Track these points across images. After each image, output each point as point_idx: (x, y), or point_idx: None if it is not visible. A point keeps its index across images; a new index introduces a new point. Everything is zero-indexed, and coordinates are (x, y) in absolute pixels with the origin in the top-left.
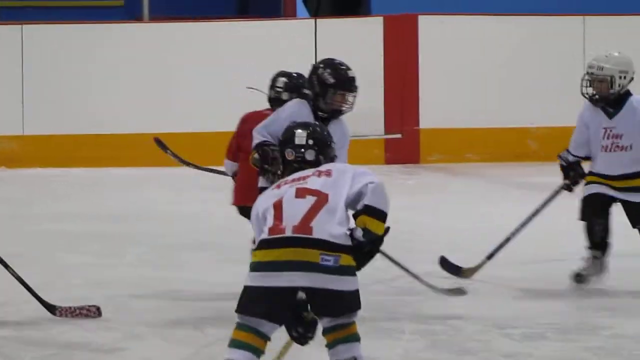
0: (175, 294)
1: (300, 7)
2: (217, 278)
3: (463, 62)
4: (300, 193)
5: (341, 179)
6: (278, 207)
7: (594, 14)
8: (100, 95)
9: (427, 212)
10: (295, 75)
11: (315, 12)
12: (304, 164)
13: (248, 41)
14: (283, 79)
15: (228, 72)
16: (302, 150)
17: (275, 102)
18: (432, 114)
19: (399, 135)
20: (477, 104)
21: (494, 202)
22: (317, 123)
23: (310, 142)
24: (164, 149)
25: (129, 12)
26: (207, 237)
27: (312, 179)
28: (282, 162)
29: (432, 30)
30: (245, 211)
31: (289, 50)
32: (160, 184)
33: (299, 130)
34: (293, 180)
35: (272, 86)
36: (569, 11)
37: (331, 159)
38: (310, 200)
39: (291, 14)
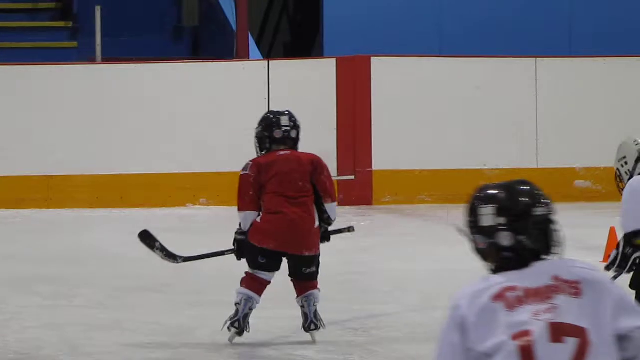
0: (129, 335)
1: (254, 48)
2: (170, 320)
3: (416, 104)
4: (556, 334)
5: (599, 305)
6: (527, 354)
7: (545, 56)
8: (51, 136)
9: (380, 253)
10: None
11: (269, 53)
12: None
13: (201, 82)
14: (287, 117)
15: (180, 113)
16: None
17: (284, 141)
18: (385, 155)
19: (351, 177)
20: (430, 145)
21: (447, 244)
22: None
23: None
24: (151, 246)
25: (82, 54)
26: (160, 279)
27: (562, 302)
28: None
29: (384, 71)
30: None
31: (242, 92)
32: (113, 226)
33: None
34: (537, 297)
35: (279, 125)
36: (521, 53)
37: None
38: (571, 345)
39: (244, 55)
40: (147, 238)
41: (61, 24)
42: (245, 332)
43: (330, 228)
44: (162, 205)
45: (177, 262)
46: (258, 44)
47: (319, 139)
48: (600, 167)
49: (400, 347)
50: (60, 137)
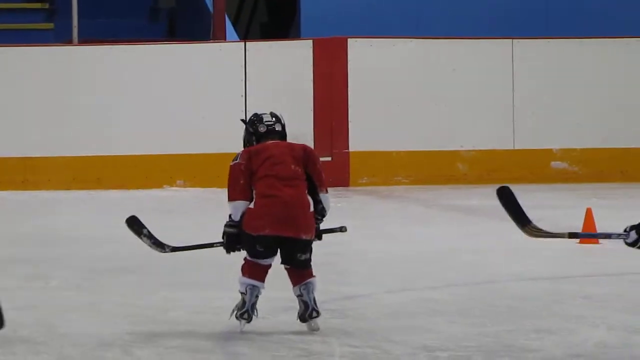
0: (104, 317)
1: (230, 30)
2: (146, 301)
3: (392, 85)
4: None
5: None
6: None
7: (522, 37)
8: (29, 118)
9: (357, 235)
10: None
11: (245, 34)
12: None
13: (177, 64)
14: (268, 114)
15: (157, 95)
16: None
17: (270, 135)
18: (361, 137)
19: (328, 158)
20: (406, 126)
21: (424, 225)
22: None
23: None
24: (138, 233)
25: (59, 36)
26: (136, 260)
27: None
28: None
29: (361, 53)
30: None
31: (218, 73)
32: (89, 208)
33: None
34: None
35: (261, 121)
36: (498, 34)
37: None
38: None
39: (221, 37)
40: (134, 224)
41: (37, 5)
42: (254, 317)
43: (322, 227)
44: (139, 186)
45: (165, 252)
46: (235, 25)
47: (295, 121)
48: (577, 149)
49: (378, 329)
50: (37, 119)
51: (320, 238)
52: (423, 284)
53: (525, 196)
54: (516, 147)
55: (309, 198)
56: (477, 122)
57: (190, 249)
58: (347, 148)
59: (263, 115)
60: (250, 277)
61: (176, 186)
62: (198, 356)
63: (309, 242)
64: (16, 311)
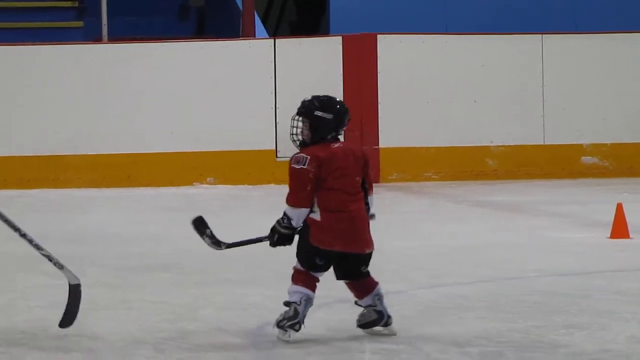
0: (135, 315)
1: (260, 27)
2: (177, 299)
3: (422, 81)
4: None
5: None
6: None
7: (551, 32)
8: (60, 116)
9: (387, 231)
10: None
11: (275, 31)
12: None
13: (207, 61)
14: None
15: (186, 92)
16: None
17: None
18: (391, 133)
19: None
20: (436, 122)
21: (454, 221)
22: None
23: None
24: (202, 233)
25: (88, 34)
26: (167, 258)
27: None
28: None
29: (391, 49)
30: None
31: (248, 70)
32: (120, 206)
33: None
34: None
35: (348, 116)
36: (527, 30)
37: None
38: None
39: (250, 34)
40: (200, 225)
41: (67, 3)
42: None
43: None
44: (169, 184)
45: (221, 249)
46: (264, 22)
47: None
48: (607, 144)
49: (409, 325)
50: (67, 117)
51: None
52: (453, 280)
53: (556, 191)
54: (546, 143)
55: None
56: (506, 118)
57: (242, 245)
58: (377, 144)
59: (344, 105)
60: (305, 287)
61: (206, 183)
62: (229, 354)
63: (371, 254)
64: (46, 309)
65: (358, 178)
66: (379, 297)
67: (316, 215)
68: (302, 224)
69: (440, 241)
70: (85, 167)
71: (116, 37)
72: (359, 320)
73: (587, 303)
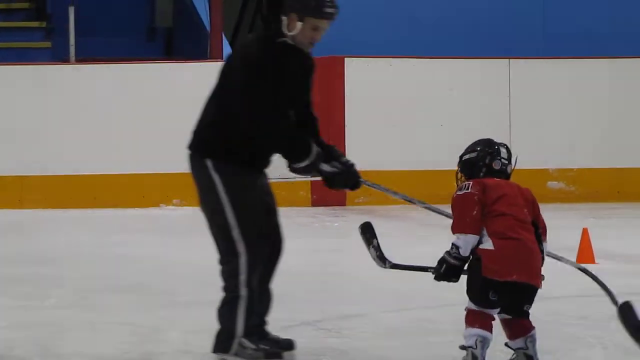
0: (101, 336)
1: (227, 49)
2: (143, 321)
3: (389, 104)
4: None
5: None
6: None
7: (519, 57)
8: (26, 137)
9: (353, 254)
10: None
11: None
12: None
13: (174, 82)
14: (506, 149)
15: (153, 113)
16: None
17: (499, 175)
18: (358, 156)
19: None
20: (403, 145)
21: (422, 244)
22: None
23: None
24: (368, 242)
25: (56, 54)
26: (133, 279)
27: None
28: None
29: (358, 72)
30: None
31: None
32: (86, 226)
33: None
34: None
35: (499, 156)
36: (495, 54)
37: None
38: None
39: (218, 55)
40: (368, 231)
41: (35, 24)
42: None
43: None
44: (135, 205)
45: (385, 267)
46: (232, 44)
47: None
48: (573, 169)
49: (374, 348)
50: (33, 137)
51: None
52: (419, 304)
53: None
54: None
55: None
56: (472, 141)
57: (407, 269)
58: None
59: (501, 149)
60: (480, 327)
61: (173, 205)
62: None
63: (536, 292)
64: (11, 330)
65: (526, 210)
66: (533, 340)
67: (487, 245)
68: (471, 257)
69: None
70: (52, 187)
71: (84, 58)
72: None
73: (553, 327)
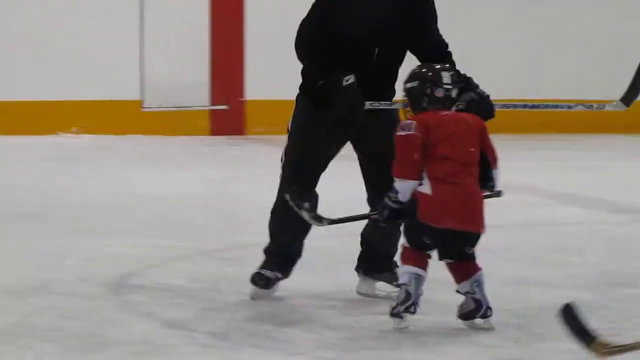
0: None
1: None
2: (42, 248)
3: (290, 32)
4: None
5: None
6: None
7: None
8: None
9: (252, 183)
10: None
11: None
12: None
13: (72, 9)
14: (448, 73)
15: (49, 39)
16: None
17: (444, 101)
18: (258, 85)
19: (224, 107)
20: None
21: (324, 173)
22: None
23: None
24: (299, 206)
25: None
26: (32, 208)
27: None
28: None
29: (259, 0)
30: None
31: (114, 19)
32: None
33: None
34: None
35: (440, 83)
36: None
37: None
38: None
39: None
40: (297, 197)
41: None
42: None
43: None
44: (34, 133)
45: (323, 225)
46: None
47: (191, 69)
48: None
49: None
50: None
51: None
52: (320, 233)
53: None
54: None
55: None
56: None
57: (346, 221)
58: (243, 96)
59: (443, 73)
60: (415, 265)
61: (71, 133)
62: (90, 304)
63: (481, 235)
64: None
65: (473, 149)
66: (479, 284)
67: (425, 188)
68: (409, 198)
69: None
70: None
71: None
72: (458, 311)
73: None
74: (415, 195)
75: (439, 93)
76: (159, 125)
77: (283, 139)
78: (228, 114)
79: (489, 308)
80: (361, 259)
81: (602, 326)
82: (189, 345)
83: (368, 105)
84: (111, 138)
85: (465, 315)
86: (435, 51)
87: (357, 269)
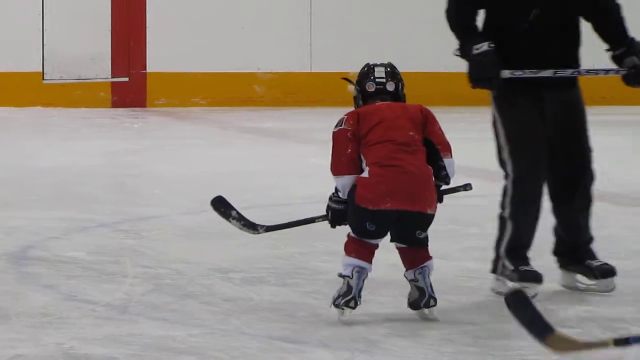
0: None
1: None
2: None
3: (191, 5)
4: None
5: None
6: None
7: None
8: None
9: (152, 156)
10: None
11: None
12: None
13: None
14: (382, 68)
15: None
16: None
17: (381, 95)
18: (159, 57)
19: (125, 79)
20: (204, 47)
21: (221, 147)
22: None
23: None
24: (226, 216)
25: None
26: None
27: None
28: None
29: None
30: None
31: None
32: None
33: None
34: None
35: (372, 77)
36: None
37: None
38: None
39: None
40: (221, 205)
41: None
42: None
43: (443, 187)
44: None
45: (259, 233)
46: None
47: (93, 40)
48: None
49: (172, 250)
50: None
51: (441, 200)
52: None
53: (324, 119)
54: (313, 70)
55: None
56: (274, 45)
57: (288, 227)
58: (145, 68)
59: (375, 69)
60: (357, 257)
61: None
62: None
63: (432, 217)
64: None
65: (412, 133)
66: (422, 272)
67: (364, 174)
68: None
69: (207, 167)
70: None
71: None
72: (407, 300)
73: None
74: (355, 181)
75: (371, 87)
76: (60, 97)
77: (184, 111)
78: (129, 86)
79: (432, 297)
80: (555, 253)
81: (500, 299)
82: (88, 317)
83: (508, 74)
84: (11, 110)
85: (412, 304)
86: (602, 10)
87: (556, 262)
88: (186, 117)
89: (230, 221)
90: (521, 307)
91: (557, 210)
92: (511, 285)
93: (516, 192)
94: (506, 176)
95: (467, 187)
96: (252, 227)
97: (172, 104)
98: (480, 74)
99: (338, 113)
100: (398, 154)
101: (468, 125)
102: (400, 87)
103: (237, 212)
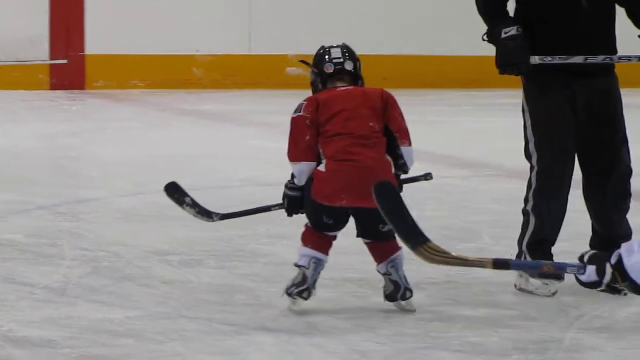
0: None
1: None
2: None
3: None
4: None
5: None
6: None
7: None
8: None
9: (91, 138)
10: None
11: None
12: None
13: None
14: (338, 49)
15: None
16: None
17: (340, 76)
18: (98, 39)
19: (64, 61)
20: (143, 29)
21: (159, 129)
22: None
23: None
24: (180, 202)
25: None
26: None
27: None
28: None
29: None
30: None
31: None
32: None
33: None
34: None
35: (329, 59)
36: None
37: None
38: None
39: None
40: (175, 192)
41: None
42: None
43: (403, 176)
44: None
45: (213, 221)
46: None
47: (31, 22)
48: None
49: (109, 232)
50: None
51: (401, 190)
52: (155, 188)
53: (263, 101)
54: (252, 52)
55: (388, 157)
56: (212, 27)
57: (244, 215)
58: (83, 50)
59: (331, 50)
60: (314, 248)
61: None
62: None
63: None
64: None
65: (372, 123)
66: (395, 265)
67: (322, 167)
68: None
69: (144, 149)
70: None
71: None
72: (383, 292)
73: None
74: (312, 175)
75: (329, 68)
76: None
77: (123, 93)
78: (68, 68)
79: (407, 289)
80: (591, 247)
81: (440, 279)
82: (26, 299)
83: (537, 59)
84: None
85: (388, 297)
86: None
87: None
88: (125, 100)
89: (183, 207)
90: (391, 202)
91: (588, 204)
92: (532, 281)
93: (540, 185)
94: (531, 168)
95: (427, 176)
96: (206, 214)
97: (110, 86)
98: (508, 59)
99: (278, 95)
100: (355, 147)
101: (409, 108)
102: (357, 66)
103: (191, 199)
